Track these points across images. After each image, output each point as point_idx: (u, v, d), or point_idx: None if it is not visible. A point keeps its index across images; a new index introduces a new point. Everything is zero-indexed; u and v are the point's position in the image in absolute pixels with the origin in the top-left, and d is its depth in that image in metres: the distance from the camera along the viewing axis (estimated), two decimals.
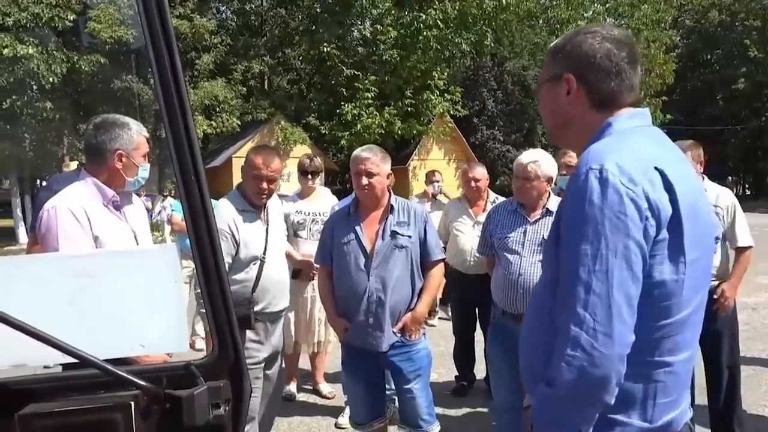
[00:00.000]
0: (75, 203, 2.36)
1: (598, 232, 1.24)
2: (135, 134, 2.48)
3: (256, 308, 3.04)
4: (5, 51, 17.41)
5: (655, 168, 1.29)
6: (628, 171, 1.26)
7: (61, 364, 1.38)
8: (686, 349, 1.37)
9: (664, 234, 1.27)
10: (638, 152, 1.32)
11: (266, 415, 3.36)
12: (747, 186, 43.90)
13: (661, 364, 1.33)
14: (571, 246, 1.29)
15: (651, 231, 1.26)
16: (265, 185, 3.08)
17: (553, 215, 3.09)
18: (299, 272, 4.18)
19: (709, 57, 41.88)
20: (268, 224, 3.19)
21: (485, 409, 4.32)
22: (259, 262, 3.09)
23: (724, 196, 3.53)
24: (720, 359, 3.55)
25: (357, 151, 3.10)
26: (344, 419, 4.09)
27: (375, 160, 3.00)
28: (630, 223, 1.24)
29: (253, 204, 3.14)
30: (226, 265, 2.97)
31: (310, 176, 4.62)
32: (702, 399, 3.88)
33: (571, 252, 1.28)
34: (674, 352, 1.34)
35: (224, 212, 3.07)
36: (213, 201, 1.41)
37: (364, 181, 2.98)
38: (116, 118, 2.51)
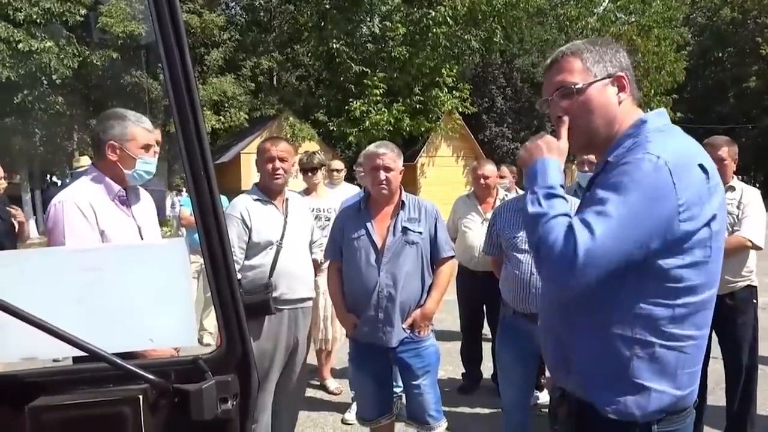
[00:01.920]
0: (81, 198, 2.37)
1: (652, 204, 1.36)
2: (130, 125, 2.45)
3: (275, 294, 3.07)
4: (20, 46, 17.52)
5: (699, 164, 1.43)
6: (680, 163, 1.39)
7: (72, 358, 1.39)
8: (707, 326, 1.52)
9: (704, 221, 1.41)
10: (683, 148, 1.46)
11: (289, 408, 3.37)
12: (758, 185, 43.62)
13: (689, 338, 1.47)
14: (615, 205, 1.37)
15: (697, 217, 1.40)
16: (278, 164, 3.14)
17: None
18: None
19: (720, 55, 41.58)
20: (287, 215, 3.22)
21: (492, 407, 4.32)
22: (275, 247, 3.12)
23: (747, 193, 3.51)
24: (739, 358, 3.54)
25: (371, 147, 3.10)
26: (351, 415, 4.10)
27: (392, 156, 3.01)
28: (672, 205, 1.37)
29: (269, 194, 3.21)
30: (241, 251, 3.02)
31: (310, 173, 4.65)
32: (712, 399, 3.87)
33: (614, 210, 1.37)
34: (700, 326, 1.49)
35: (239, 203, 3.16)
36: (222, 197, 1.41)
37: (382, 176, 2.98)
38: (115, 111, 2.51)
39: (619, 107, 1.57)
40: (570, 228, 1.38)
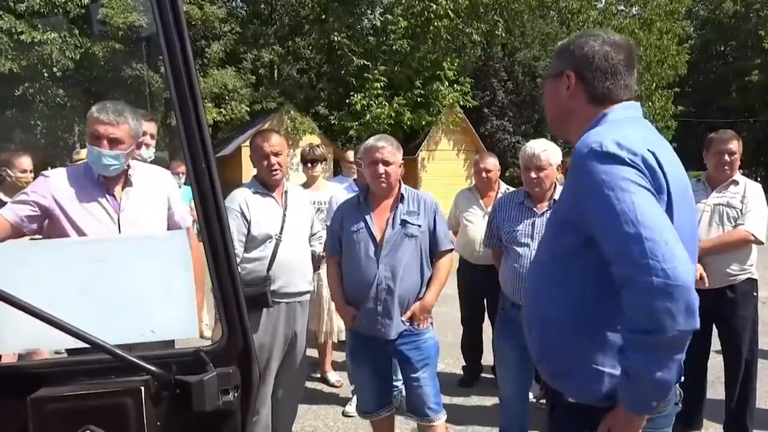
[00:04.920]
0: (57, 171, 2.57)
1: (625, 191, 1.39)
2: (89, 115, 2.54)
3: (273, 287, 3.07)
4: (22, 37, 17.50)
5: (648, 149, 1.46)
6: (627, 145, 1.44)
7: (68, 350, 1.40)
8: None
9: (660, 205, 1.43)
10: (632, 134, 1.49)
11: (289, 401, 3.38)
12: (759, 179, 43.51)
13: None
14: (606, 214, 1.40)
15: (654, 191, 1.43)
16: (273, 160, 3.14)
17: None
18: None
19: (722, 48, 41.45)
20: (286, 208, 3.22)
21: (492, 399, 4.33)
22: (274, 241, 3.12)
23: (750, 188, 3.52)
24: (740, 352, 3.56)
25: (371, 141, 3.09)
26: (351, 408, 4.11)
27: (391, 150, 3.01)
28: (644, 182, 1.41)
29: (267, 187, 3.20)
30: (240, 244, 3.01)
31: (310, 164, 4.67)
32: (711, 393, 3.88)
33: (609, 218, 1.40)
34: None
35: (238, 195, 3.15)
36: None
37: (381, 169, 2.98)
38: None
39: (570, 102, 1.64)
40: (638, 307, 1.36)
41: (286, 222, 3.18)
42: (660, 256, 1.32)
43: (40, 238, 2.55)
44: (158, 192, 2.78)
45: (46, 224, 2.49)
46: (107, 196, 2.56)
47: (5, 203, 4.18)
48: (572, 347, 1.57)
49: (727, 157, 3.51)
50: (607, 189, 1.40)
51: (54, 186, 2.48)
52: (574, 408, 1.58)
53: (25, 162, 4.29)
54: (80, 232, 2.45)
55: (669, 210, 1.46)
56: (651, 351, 1.37)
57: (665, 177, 1.45)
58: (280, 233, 3.14)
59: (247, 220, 3.08)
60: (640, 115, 1.65)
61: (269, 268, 3.10)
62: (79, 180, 2.53)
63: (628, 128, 1.52)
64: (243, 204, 3.10)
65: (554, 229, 1.65)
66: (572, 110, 1.65)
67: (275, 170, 3.15)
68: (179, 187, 5.95)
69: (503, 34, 24.88)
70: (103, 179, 2.56)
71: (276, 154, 3.15)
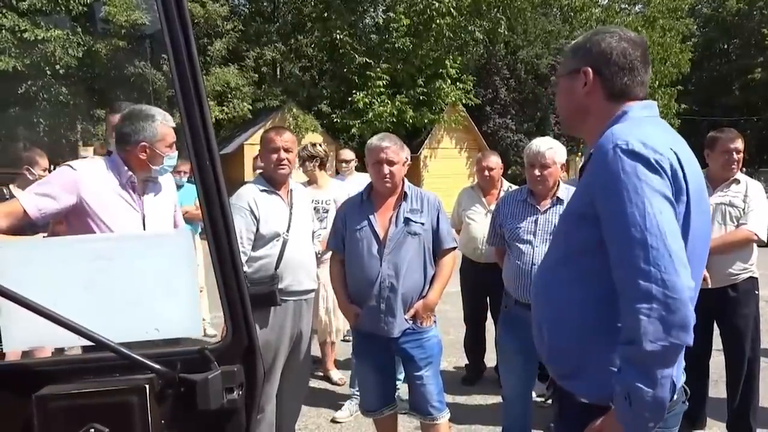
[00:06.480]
0: (83, 164, 2.51)
1: (639, 195, 1.37)
2: (159, 126, 2.57)
3: (280, 285, 3.07)
4: (25, 35, 17.53)
5: (671, 148, 1.45)
6: (652, 144, 1.42)
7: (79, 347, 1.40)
8: None
9: (679, 207, 1.43)
10: (655, 134, 1.48)
11: (293, 398, 3.39)
12: (762, 177, 43.34)
13: None
14: (616, 214, 1.40)
15: (672, 195, 1.41)
16: (283, 154, 3.16)
17: (564, 203, 3.12)
18: None
19: (726, 46, 41.32)
20: (292, 206, 3.24)
21: (495, 398, 4.33)
22: (282, 239, 3.13)
23: (751, 187, 3.52)
24: (742, 350, 3.55)
25: (374, 141, 3.09)
26: (343, 413, 4.15)
27: (395, 149, 3.01)
28: (663, 186, 1.39)
29: (273, 184, 3.21)
30: (249, 243, 3.02)
31: (306, 162, 4.65)
32: (715, 392, 3.87)
33: (618, 219, 1.40)
34: None
35: (245, 193, 3.15)
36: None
37: (386, 170, 2.98)
38: (142, 109, 2.61)
39: (588, 99, 1.63)
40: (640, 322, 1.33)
41: (293, 220, 3.18)
42: (662, 266, 1.32)
43: (45, 235, 2.54)
44: (169, 193, 2.84)
45: (67, 219, 2.50)
46: (134, 195, 2.59)
47: None
48: (586, 348, 1.55)
49: (734, 156, 3.51)
50: (623, 188, 1.39)
51: (81, 180, 2.45)
52: (587, 408, 1.55)
53: (47, 161, 4.48)
54: (106, 230, 2.45)
55: (687, 211, 1.45)
56: (642, 365, 1.36)
57: (685, 178, 1.44)
58: (287, 231, 3.14)
59: (256, 218, 3.08)
60: (658, 115, 1.64)
61: (276, 267, 3.10)
62: (106, 176, 2.54)
63: (649, 127, 1.51)
64: (252, 202, 3.10)
65: (568, 226, 1.63)
66: (589, 107, 1.63)
67: (283, 165, 3.16)
68: (182, 185, 5.97)
69: (506, 32, 24.83)
70: (134, 179, 2.59)
71: (287, 150, 3.17)
